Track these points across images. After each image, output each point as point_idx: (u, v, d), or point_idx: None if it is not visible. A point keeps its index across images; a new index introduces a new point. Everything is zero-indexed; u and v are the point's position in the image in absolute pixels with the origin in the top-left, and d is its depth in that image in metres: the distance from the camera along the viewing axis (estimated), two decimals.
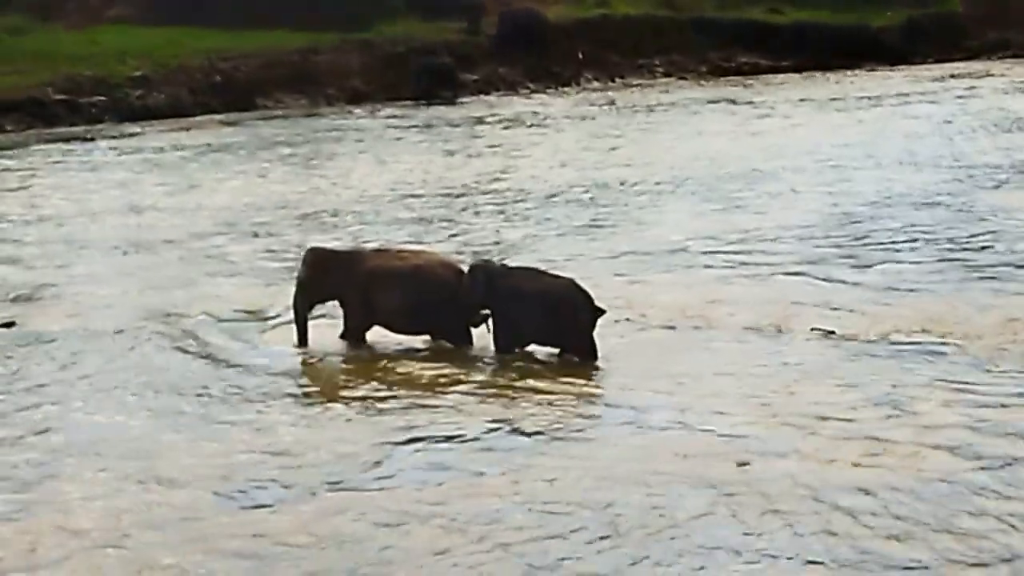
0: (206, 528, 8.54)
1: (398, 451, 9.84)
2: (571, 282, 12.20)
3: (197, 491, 9.14)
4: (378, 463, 9.60)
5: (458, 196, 21.05)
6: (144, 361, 12.38)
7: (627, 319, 13.17)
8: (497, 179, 22.41)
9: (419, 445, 9.95)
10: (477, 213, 19.56)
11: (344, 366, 12.28)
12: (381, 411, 10.80)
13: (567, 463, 9.46)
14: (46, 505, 9.01)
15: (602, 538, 8.17)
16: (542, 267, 12.91)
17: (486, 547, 8.14)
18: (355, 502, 8.86)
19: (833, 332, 12.49)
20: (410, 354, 12.41)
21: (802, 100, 32.27)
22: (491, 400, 11.02)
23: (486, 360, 12.16)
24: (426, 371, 11.87)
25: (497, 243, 17.24)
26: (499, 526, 8.42)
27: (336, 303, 12.79)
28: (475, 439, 10.06)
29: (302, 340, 12.61)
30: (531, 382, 11.43)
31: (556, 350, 12.22)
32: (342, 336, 12.70)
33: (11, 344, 13.01)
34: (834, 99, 32.29)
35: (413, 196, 20.97)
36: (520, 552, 8.05)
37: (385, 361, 12.18)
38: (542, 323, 12.04)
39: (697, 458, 9.41)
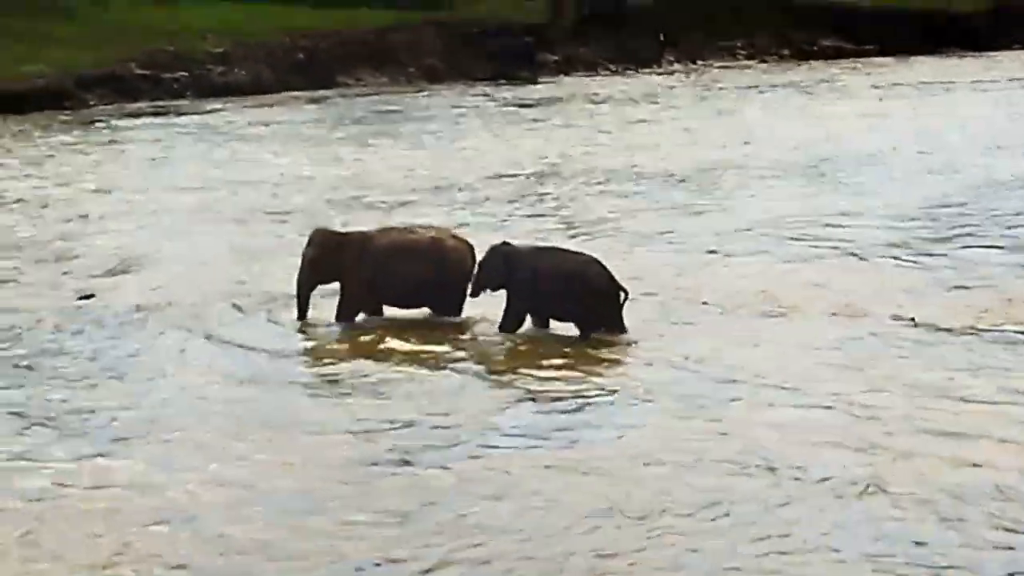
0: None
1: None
2: (593, 259, 12.25)
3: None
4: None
5: (546, 175, 21.00)
6: (220, 339, 12.42)
7: (704, 302, 13.06)
8: (584, 158, 22.31)
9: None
10: (566, 191, 19.53)
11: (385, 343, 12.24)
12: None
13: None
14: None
15: None
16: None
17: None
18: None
19: (913, 319, 12.32)
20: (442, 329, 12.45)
21: (891, 84, 31.91)
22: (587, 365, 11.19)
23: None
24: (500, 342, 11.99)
25: (577, 221, 17.19)
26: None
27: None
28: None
29: (302, 315, 12.71)
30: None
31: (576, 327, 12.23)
32: (338, 318, 12.74)
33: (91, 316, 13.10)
34: (923, 83, 31.93)
35: (500, 175, 20.92)
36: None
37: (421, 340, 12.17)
38: (561, 301, 12.04)
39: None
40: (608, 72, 36.11)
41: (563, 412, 10.21)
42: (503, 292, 12.32)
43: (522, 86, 33.39)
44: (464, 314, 12.68)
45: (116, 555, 7.91)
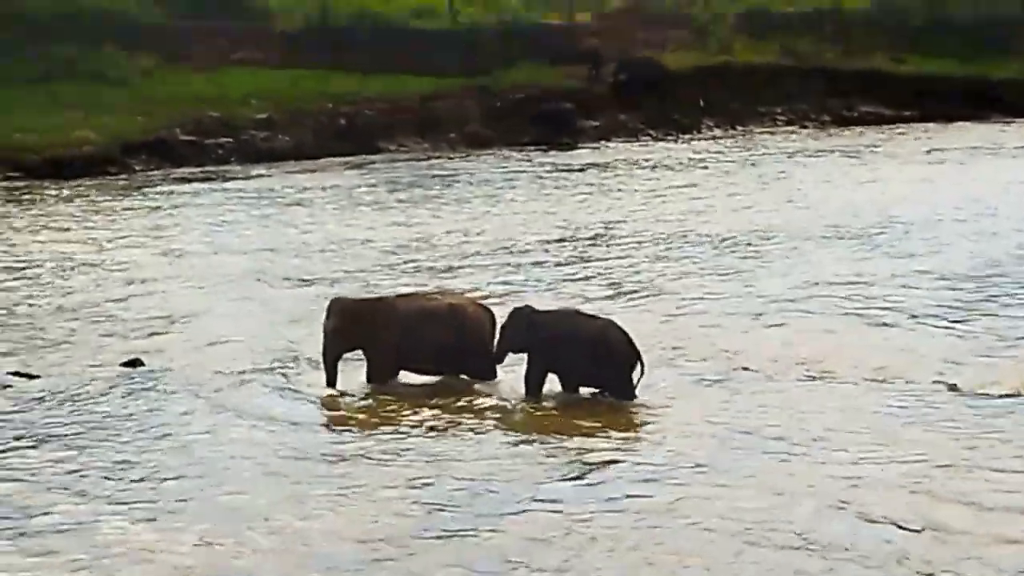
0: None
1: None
2: (610, 323, 12.51)
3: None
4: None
5: (596, 239, 21.19)
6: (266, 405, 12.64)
7: (744, 368, 13.21)
8: (633, 223, 22.47)
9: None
10: (615, 255, 19.71)
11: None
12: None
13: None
14: None
15: None
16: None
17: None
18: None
19: (955, 385, 12.40)
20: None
21: (929, 151, 31.97)
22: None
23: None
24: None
25: (625, 284, 17.41)
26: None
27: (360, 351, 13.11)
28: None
29: (331, 383, 12.96)
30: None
31: (596, 390, 12.46)
32: (369, 380, 13.04)
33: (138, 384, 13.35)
34: (967, 149, 31.96)
35: (549, 239, 21.12)
36: None
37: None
38: (582, 365, 12.26)
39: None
40: (648, 138, 36.29)
41: (609, 479, 10.34)
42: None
43: (563, 151, 33.56)
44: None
45: None
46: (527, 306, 12.92)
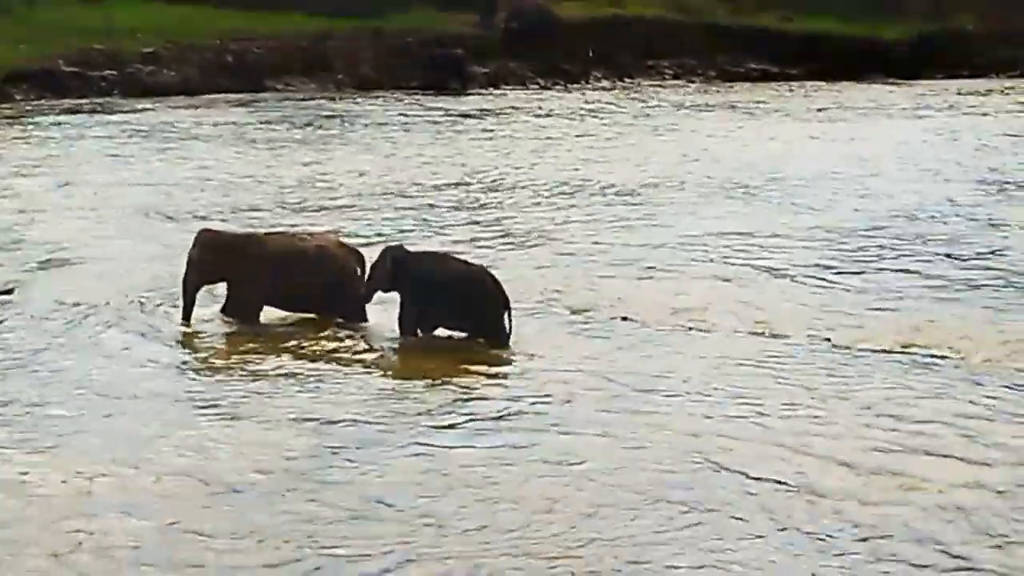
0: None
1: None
2: (482, 268, 12.67)
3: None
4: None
5: (487, 185, 21.22)
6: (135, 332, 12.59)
7: (624, 318, 13.29)
8: (527, 170, 22.53)
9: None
10: (506, 202, 19.78)
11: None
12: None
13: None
14: None
15: None
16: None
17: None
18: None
19: (829, 339, 12.58)
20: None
21: (817, 109, 32.31)
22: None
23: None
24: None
25: (514, 230, 17.50)
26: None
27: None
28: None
29: (186, 316, 12.95)
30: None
31: (463, 334, 12.55)
32: (224, 312, 13.03)
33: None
34: (845, 108, 32.35)
35: (441, 184, 21.11)
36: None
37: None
38: (451, 308, 12.36)
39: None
40: (536, 86, 36.32)
41: (491, 415, 10.41)
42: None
43: (453, 97, 33.51)
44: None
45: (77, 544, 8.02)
46: (398, 246, 13.00)
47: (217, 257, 12.83)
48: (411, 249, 13.03)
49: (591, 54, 37.86)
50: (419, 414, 10.42)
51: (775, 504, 8.68)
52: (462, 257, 13.33)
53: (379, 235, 16.55)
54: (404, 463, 9.35)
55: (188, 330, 12.77)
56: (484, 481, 9.02)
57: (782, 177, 21.91)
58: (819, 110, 32.13)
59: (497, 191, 20.72)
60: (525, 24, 37.78)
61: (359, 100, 32.42)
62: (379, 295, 12.74)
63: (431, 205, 19.38)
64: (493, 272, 12.67)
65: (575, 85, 36.73)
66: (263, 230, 14.24)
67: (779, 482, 9.03)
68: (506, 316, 12.32)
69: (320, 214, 18.44)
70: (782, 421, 10.29)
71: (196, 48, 34.30)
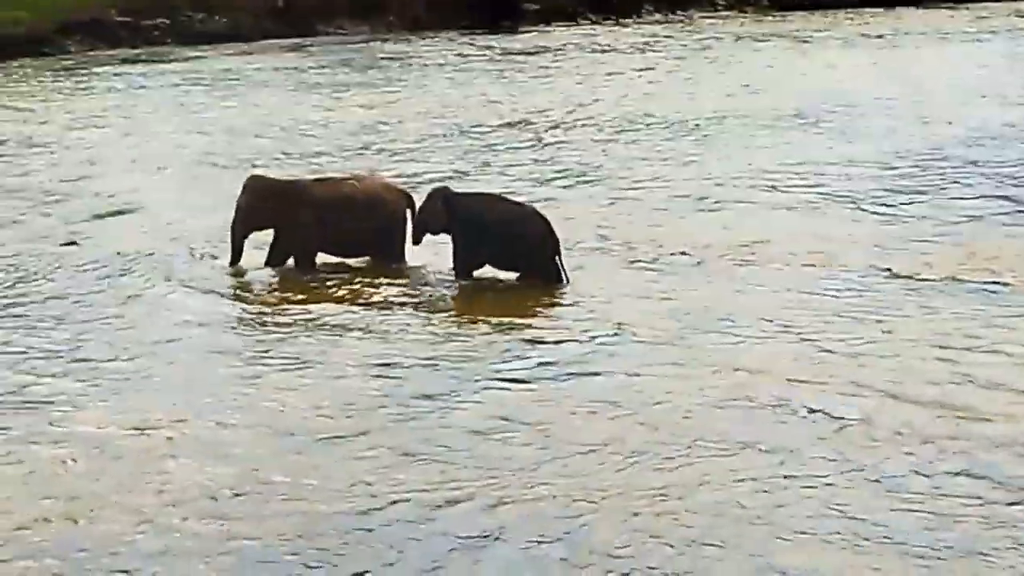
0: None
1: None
2: (531, 208, 12.67)
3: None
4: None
5: (526, 124, 21.06)
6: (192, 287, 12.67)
7: (682, 252, 13.23)
8: (589, 106, 22.35)
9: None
10: (547, 142, 19.63)
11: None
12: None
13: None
14: None
15: None
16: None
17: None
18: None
19: (890, 269, 12.48)
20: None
21: (874, 36, 31.84)
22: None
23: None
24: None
25: (567, 171, 17.40)
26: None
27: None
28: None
29: (234, 262, 13.03)
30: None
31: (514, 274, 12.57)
32: (268, 263, 13.07)
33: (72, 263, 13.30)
34: (904, 34, 31.86)
35: (481, 124, 20.97)
36: None
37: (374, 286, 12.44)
38: (501, 248, 12.36)
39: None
40: (588, 22, 36.06)
41: (560, 356, 10.43)
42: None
43: (506, 35, 33.30)
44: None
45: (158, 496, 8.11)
46: (445, 187, 13.04)
47: (265, 204, 12.85)
48: (459, 191, 13.06)
49: None
50: (482, 357, 10.44)
51: (834, 440, 8.66)
52: (513, 198, 13.27)
53: (444, 175, 16.52)
54: (469, 407, 9.39)
55: (244, 279, 12.79)
56: (542, 422, 9.05)
57: (842, 106, 21.58)
58: (878, 37, 31.68)
59: (557, 128, 20.58)
60: None
61: (412, 41, 32.19)
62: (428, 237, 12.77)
63: (491, 145, 19.30)
64: (544, 212, 12.62)
65: (627, 19, 36.41)
66: (318, 175, 14.18)
67: (837, 417, 9.01)
68: (556, 256, 12.28)
69: (383, 156, 18.45)
70: (841, 355, 10.24)
71: None
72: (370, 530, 7.66)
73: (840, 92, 22.91)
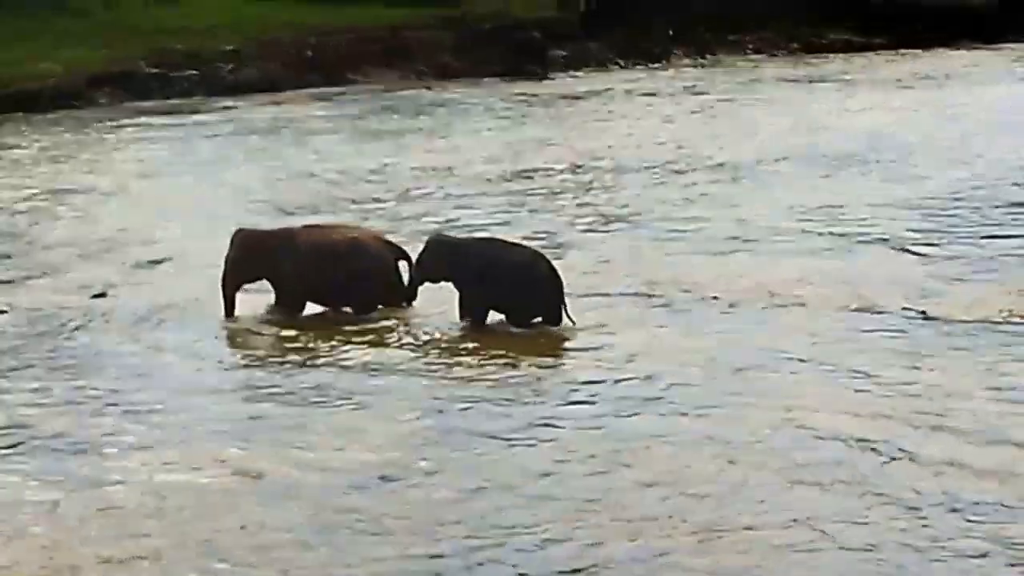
0: None
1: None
2: (534, 251, 12.64)
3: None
4: None
5: (595, 168, 21.11)
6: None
7: (715, 297, 13.14)
8: (596, 156, 22.32)
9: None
10: (614, 183, 19.71)
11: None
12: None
13: None
14: None
15: None
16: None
17: None
18: None
19: (925, 312, 12.35)
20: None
21: (910, 76, 31.83)
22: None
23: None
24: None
25: (602, 215, 17.39)
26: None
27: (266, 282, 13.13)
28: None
29: (229, 314, 13.01)
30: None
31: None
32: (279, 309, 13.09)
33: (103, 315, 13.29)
34: (938, 75, 31.84)
35: (507, 173, 20.98)
36: None
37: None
38: (504, 292, 12.26)
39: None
40: (617, 67, 36.10)
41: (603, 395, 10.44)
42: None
43: (536, 81, 33.37)
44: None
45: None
46: (442, 234, 13.17)
47: (251, 255, 12.88)
48: (458, 236, 13.20)
49: (670, 32, 37.54)
50: (532, 399, 10.45)
51: (874, 474, 8.60)
52: (515, 241, 13.24)
53: (491, 221, 16.75)
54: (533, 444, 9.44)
55: (278, 325, 12.76)
56: (598, 461, 9.01)
57: (889, 147, 21.55)
58: (914, 75, 31.66)
59: (604, 172, 20.64)
60: (603, 4, 37.57)
61: (446, 90, 32.22)
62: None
63: (536, 190, 19.40)
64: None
65: (655, 64, 36.45)
66: (307, 224, 14.08)
67: (876, 450, 8.98)
68: (560, 298, 12.24)
69: (431, 202, 18.60)
70: (878, 396, 10.15)
71: (276, 44, 34.33)
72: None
73: (887, 133, 22.87)
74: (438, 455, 9.23)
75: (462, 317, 12.48)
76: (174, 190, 20.14)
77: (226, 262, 13.00)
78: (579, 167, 21.15)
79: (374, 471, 8.93)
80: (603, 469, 8.88)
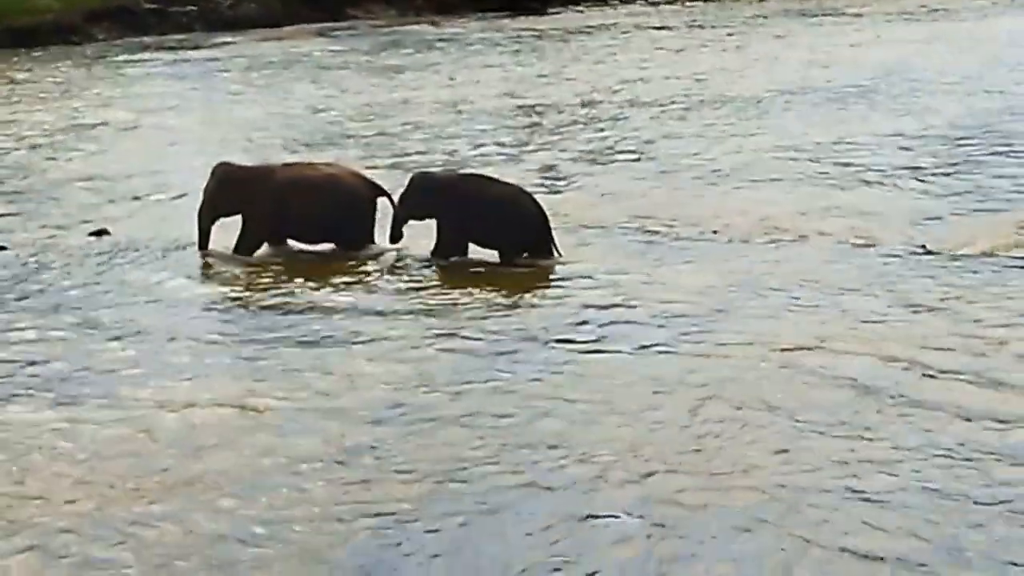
0: None
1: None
2: (517, 187, 12.68)
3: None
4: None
5: (582, 104, 21.08)
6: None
7: (714, 231, 13.12)
8: (602, 90, 22.30)
9: None
10: (581, 123, 19.58)
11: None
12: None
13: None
14: None
15: None
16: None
17: None
18: None
19: (925, 246, 12.32)
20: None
21: (929, 9, 31.66)
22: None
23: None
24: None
25: (611, 149, 17.37)
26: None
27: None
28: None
29: (202, 246, 13.02)
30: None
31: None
32: (236, 250, 12.99)
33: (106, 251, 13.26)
34: (957, 8, 31.67)
35: (513, 108, 20.96)
36: None
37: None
38: (492, 227, 12.31)
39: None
40: (618, 2, 35.89)
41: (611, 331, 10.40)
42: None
43: (537, 16, 33.21)
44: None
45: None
46: (426, 172, 13.10)
47: (229, 190, 12.87)
48: (440, 173, 13.13)
49: None
50: (540, 331, 10.40)
51: (871, 417, 8.51)
52: (500, 177, 13.20)
53: (492, 155, 16.81)
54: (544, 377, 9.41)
55: (270, 264, 12.72)
56: (588, 397, 8.98)
57: (902, 80, 21.49)
58: (921, 8, 31.47)
59: (609, 107, 20.61)
60: None
61: (448, 25, 32.08)
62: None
63: (541, 125, 19.41)
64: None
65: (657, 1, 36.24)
66: (287, 161, 14.09)
67: (865, 387, 8.93)
68: (548, 232, 12.28)
69: (433, 137, 18.58)
70: (876, 330, 10.11)
71: None
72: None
73: (899, 66, 22.79)
74: (461, 390, 9.18)
75: (436, 253, 12.48)
76: (184, 126, 20.11)
77: (204, 194, 13.02)
78: (588, 102, 21.09)
79: (393, 406, 8.90)
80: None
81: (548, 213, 12.43)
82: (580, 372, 9.46)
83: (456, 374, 9.49)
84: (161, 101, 22.47)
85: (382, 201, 12.92)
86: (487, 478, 7.78)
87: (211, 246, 13.07)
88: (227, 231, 13.09)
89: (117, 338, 10.56)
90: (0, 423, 8.82)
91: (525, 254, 12.39)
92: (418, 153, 17.39)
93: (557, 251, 12.27)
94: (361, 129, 19.45)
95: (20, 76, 25.68)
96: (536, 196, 12.67)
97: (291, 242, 13.15)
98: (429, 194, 12.46)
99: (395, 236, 12.74)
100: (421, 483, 7.73)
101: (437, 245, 12.50)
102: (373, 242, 12.91)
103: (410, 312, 11.03)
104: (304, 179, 12.91)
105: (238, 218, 13.02)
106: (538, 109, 20.62)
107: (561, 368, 9.55)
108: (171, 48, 29.06)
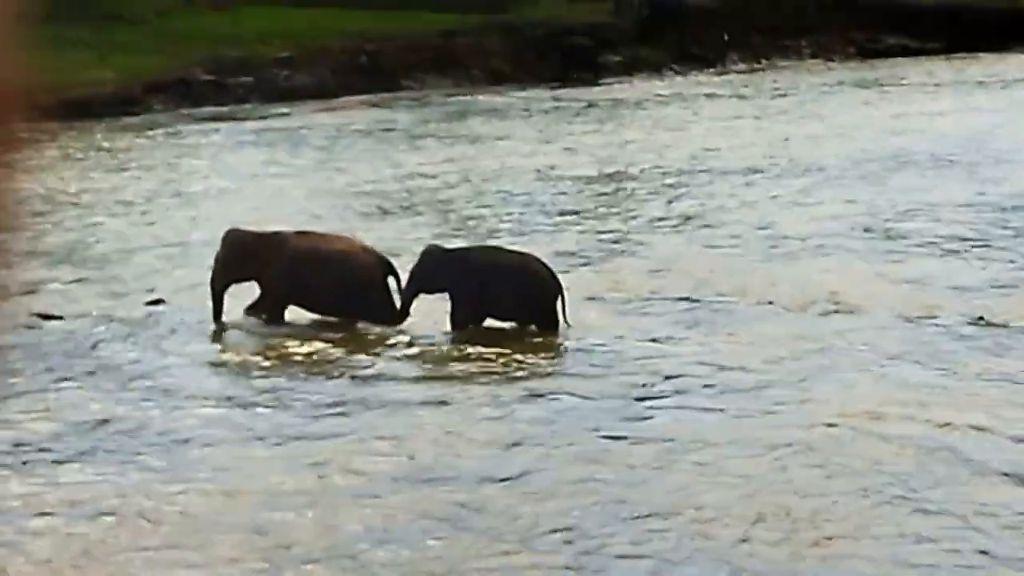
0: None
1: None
2: (531, 256, 12.65)
3: None
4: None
5: (616, 175, 21.08)
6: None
7: (769, 302, 13.07)
8: (651, 159, 22.32)
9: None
10: (635, 193, 19.62)
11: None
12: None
13: None
14: None
15: None
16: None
17: None
18: None
19: (982, 318, 12.24)
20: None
21: (974, 82, 31.63)
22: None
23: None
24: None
25: (667, 217, 17.43)
26: None
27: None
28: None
29: (216, 317, 13.03)
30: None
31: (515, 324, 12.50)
32: (248, 311, 13.05)
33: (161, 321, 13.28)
34: (1000, 79, 31.63)
35: (566, 177, 20.95)
36: None
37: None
38: (503, 298, 12.27)
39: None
40: (672, 73, 36.01)
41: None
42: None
43: (587, 87, 33.34)
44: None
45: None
46: (436, 245, 13.01)
47: (241, 256, 12.90)
48: (451, 246, 13.12)
49: (725, 38, 37.43)
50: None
51: (931, 491, 8.44)
52: (513, 248, 13.26)
53: (556, 224, 16.93)
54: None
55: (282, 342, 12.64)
56: (644, 464, 9.00)
57: (975, 148, 21.49)
58: (978, 83, 31.45)
59: (675, 175, 20.64)
60: (659, 11, 37.49)
61: (500, 95, 32.22)
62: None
63: (607, 193, 19.53)
64: (544, 260, 12.61)
65: (711, 70, 36.35)
66: (300, 230, 13.99)
67: (931, 447, 8.93)
68: (560, 301, 12.22)
69: (497, 206, 18.66)
70: (935, 403, 10.04)
71: (328, 51, 34.40)
72: None
73: (979, 135, 22.78)
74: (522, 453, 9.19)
75: (454, 327, 12.43)
76: (246, 197, 20.13)
77: (215, 261, 13.08)
78: (652, 170, 21.11)
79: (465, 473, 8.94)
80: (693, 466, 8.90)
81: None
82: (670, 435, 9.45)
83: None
84: (226, 170, 22.58)
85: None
86: None
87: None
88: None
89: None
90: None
91: (532, 326, 12.37)
92: (478, 218, 17.56)
93: (566, 321, 12.21)
94: (418, 199, 19.51)
95: (79, 146, 25.90)
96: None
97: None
98: (441, 266, 12.44)
99: (401, 316, 12.65)
100: None
101: (454, 317, 12.44)
102: (382, 318, 12.79)
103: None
104: (317, 248, 12.98)
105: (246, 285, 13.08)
106: (616, 176, 20.68)
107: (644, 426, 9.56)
108: (228, 119, 29.26)
